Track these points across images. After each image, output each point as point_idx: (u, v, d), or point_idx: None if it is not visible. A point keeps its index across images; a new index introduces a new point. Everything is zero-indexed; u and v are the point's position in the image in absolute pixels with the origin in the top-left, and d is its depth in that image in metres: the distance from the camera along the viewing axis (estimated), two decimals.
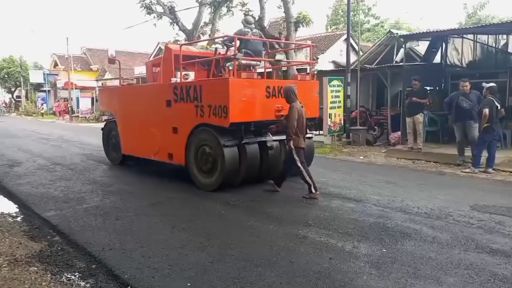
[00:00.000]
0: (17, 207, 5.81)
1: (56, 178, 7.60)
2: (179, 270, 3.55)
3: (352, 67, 12.59)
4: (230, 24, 46.94)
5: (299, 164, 6.01)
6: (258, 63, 7.44)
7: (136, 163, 8.82)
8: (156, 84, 8.11)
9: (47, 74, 37.04)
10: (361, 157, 9.94)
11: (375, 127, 12.96)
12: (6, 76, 39.29)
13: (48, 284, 3.35)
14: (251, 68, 7.11)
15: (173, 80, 7.16)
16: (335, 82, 11.36)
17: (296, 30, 12.75)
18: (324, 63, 18.17)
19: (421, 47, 13.96)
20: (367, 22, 33.58)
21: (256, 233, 4.48)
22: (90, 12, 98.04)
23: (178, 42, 17.16)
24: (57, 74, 36.29)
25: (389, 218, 4.94)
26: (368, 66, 13.80)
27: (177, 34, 17.15)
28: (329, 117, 11.14)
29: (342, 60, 17.45)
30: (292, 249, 3.99)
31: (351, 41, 14.11)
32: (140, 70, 25.88)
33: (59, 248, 4.17)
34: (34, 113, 34.92)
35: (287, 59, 12.43)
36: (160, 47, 26.19)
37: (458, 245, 4.08)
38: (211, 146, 6.44)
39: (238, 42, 6.71)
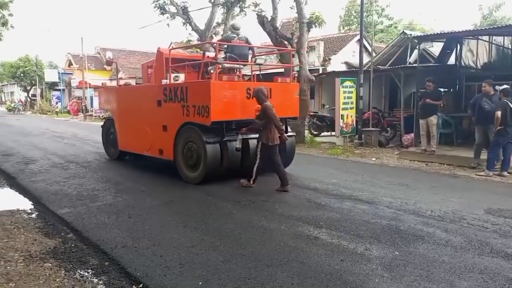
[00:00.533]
0: (32, 204, 5.91)
1: (70, 176, 7.71)
2: (191, 269, 3.57)
3: (365, 68, 12.50)
4: (243, 24, 46.88)
5: (258, 157, 6.48)
6: (242, 66, 7.89)
7: (135, 159, 9.28)
8: (149, 85, 8.76)
9: (61, 73, 37.54)
10: (373, 159, 9.87)
11: (388, 128, 12.84)
12: (22, 75, 39.95)
13: (62, 280, 3.40)
14: (235, 71, 7.72)
15: (164, 81, 7.65)
16: (347, 83, 11.31)
17: (308, 30, 12.68)
18: (337, 64, 18.10)
19: (435, 48, 13.78)
20: (380, 23, 33.32)
21: (268, 233, 4.48)
22: (105, 12, 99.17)
23: (191, 42, 17.26)
24: (71, 73, 36.76)
25: (401, 221, 4.89)
26: (381, 67, 13.69)
27: (190, 34, 17.22)
28: (341, 118, 11.09)
29: (355, 61, 17.36)
30: (303, 250, 3.98)
31: (364, 42, 14.01)
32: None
33: (72, 245, 4.23)
34: (49, 112, 35.42)
35: (300, 61, 12.40)
36: (173, 47, 26.36)
37: (472, 249, 4.02)
38: (195, 143, 6.97)
39: (225, 47, 7.43)
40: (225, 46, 7.44)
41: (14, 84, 47.81)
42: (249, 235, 4.42)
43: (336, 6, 65.46)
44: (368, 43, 17.62)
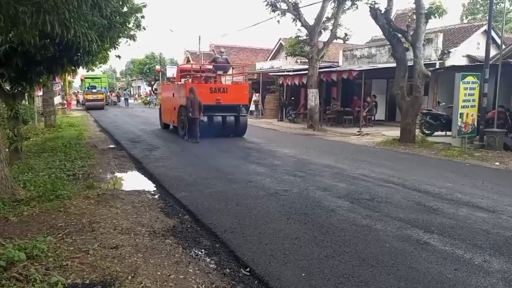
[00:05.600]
0: (154, 186, 6.66)
1: (186, 163, 8.45)
2: (294, 260, 3.68)
3: (492, 61, 11.18)
4: (353, 18, 45.85)
5: (186, 124, 12.09)
6: (213, 75, 14.13)
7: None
8: (171, 84, 16.08)
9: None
10: (497, 163, 8.83)
11: None
12: (147, 71, 44.63)
13: (180, 256, 3.79)
14: (212, 78, 14.09)
15: (177, 83, 14.59)
16: (469, 79, 10.31)
17: (426, 22, 11.79)
18: (457, 57, 16.51)
19: None
20: None
21: (372, 233, 4.37)
22: (220, 12, 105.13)
23: (300, 38, 17.37)
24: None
25: None
26: None
27: (299, 30, 17.27)
28: (460, 117, 10.15)
29: (479, 54, 15.62)
30: (411, 254, 3.80)
31: (492, 32, 12.54)
32: (261, 65, 26.91)
33: (188, 226, 4.68)
34: None
35: (414, 55, 11.62)
36: (281, 43, 26.81)
37: None
38: (183, 116, 12.44)
39: (212, 63, 14.40)
40: (212, 63, 14.52)
41: (141, 79, 53.77)
42: (353, 233, 4.36)
43: None
44: (497, 34, 15.70)
